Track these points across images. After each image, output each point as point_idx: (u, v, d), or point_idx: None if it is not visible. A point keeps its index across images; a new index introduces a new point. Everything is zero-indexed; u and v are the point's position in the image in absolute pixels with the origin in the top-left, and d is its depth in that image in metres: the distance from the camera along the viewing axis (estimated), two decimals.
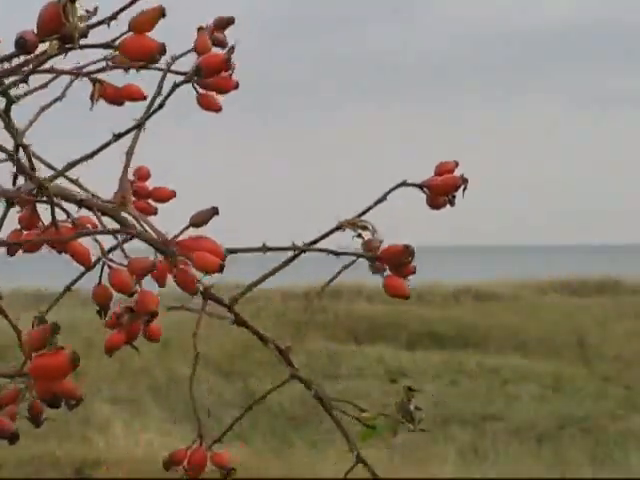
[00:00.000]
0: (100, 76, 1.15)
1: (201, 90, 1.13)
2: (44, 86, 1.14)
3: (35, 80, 1.06)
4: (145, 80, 1.12)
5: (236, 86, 1.13)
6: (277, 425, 9.17)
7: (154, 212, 1.26)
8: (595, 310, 15.18)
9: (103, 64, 1.13)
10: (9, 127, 1.05)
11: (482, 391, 10.88)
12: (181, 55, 1.13)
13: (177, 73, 1.11)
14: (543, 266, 31.48)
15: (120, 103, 1.16)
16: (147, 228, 1.08)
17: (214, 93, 1.14)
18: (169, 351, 11.33)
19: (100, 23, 0.98)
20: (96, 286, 1.04)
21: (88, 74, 1.13)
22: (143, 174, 1.26)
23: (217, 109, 1.15)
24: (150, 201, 1.27)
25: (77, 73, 1.13)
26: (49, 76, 1.11)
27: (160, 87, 1.12)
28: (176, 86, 1.10)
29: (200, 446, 1.21)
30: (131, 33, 0.97)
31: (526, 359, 12.32)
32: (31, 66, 0.98)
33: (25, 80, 1.01)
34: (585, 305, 15.74)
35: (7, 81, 1.01)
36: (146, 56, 0.97)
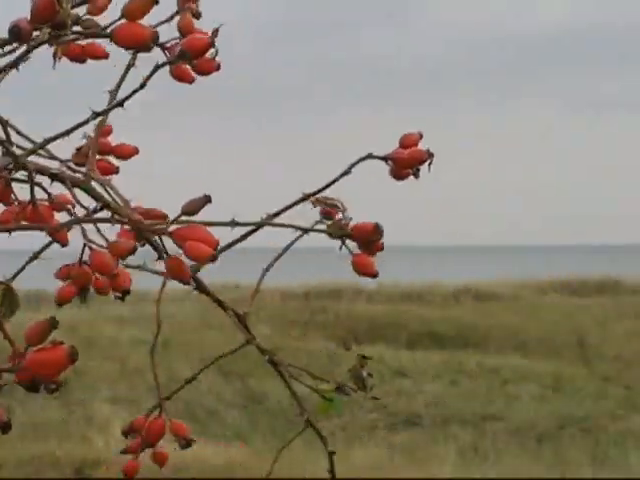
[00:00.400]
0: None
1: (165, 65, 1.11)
2: (14, 66, 1.13)
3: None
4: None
5: (218, 68, 1.12)
6: (277, 425, 9.17)
7: (115, 171, 1.24)
8: (595, 310, 15.18)
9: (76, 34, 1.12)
10: None
11: (482, 391, 10.88)
12: (158, 25, 1.11)
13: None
14: (543, 266, 31.48)
15: (83, 61, 1.16)
16: (112, 194, 1.08)
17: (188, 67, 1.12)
18: (169, 351, 11.33)
19: (80, 4, 0.98)
20: (77, 267, 1.03)
21: (57, 44, 1.13)
22: (104, 130, 1.23)
23: (190, 80, 1.14)
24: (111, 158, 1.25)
25: (23, 51, 1.12)
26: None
27: (133, 59, 1.11)
28: (159, 67, 1.08)
29: (160, 416, 1.21)
30: (123, 20, 0.96)
31: (526, 359, 12.32)
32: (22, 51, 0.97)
33: (16, 66, 1.01)
34: (585, 305, 15.74)
35: None
36: (139, 44, 0.96)
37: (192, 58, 1.04)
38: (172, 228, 0.96)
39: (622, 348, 12.72)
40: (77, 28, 0.96)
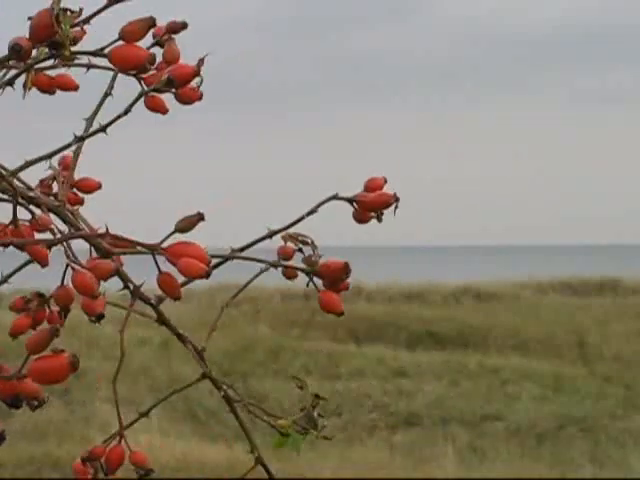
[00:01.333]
0: (53, 72, 1.15)
1: (150, 92, 1.11)
2: (10, 83, 1.13)
3: None
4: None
5: (200, 97, 1.12)
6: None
7: (81, 202, 1.24)
8: (595, 310, 15.18)
9: (52, 61, 1.12)
10: None
11: (482, 391, 10.88)
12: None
13: (128, 74, 1.09)
14: (543, 266, 31.48)
15: (52, 92, 1.16)
16: (81, 224, 1.09)
17: (162, 96, 1.12)
18: (169, 351, 11.33)
19: (75, 25, 0.98)
20: (58, 288, 1.03)
21: (35, 70, 1.13)
22: (67, 163, 1.23)
23: (164, 111, 1.14)
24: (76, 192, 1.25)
25: (21, 69, 1.12)
26: None
27: (111, 86, 1.12)
28: (143, 93, 1.09)
29: (119, 443, 1.18)
30: (121, 42, 0.97)
31: (526, 359, 12.32)
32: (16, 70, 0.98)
33: (11, 83, 1.01)
34: (585, 305, 15.73)
35: None
36: (136, 65, 0.97)
37: (178, 86, 1.05)
38: (166, 245, 0.98)
39: (622, 348, 12.72)
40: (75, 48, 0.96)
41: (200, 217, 1.00)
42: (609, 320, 14.42)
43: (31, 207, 1.08)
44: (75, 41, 0.93)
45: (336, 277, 1.12)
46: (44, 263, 1.07)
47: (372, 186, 1.16)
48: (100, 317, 1.04)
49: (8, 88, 1.05)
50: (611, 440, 9.10)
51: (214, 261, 1.14)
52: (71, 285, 0.99)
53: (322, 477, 7.40)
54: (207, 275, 0.96)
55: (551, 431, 9.45)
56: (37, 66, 1.12)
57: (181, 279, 1.00)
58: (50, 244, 1.03)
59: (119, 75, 1.12)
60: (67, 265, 1.01)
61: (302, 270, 1.14)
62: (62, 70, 1.14)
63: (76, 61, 1.10)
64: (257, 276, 1.19)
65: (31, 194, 1.08)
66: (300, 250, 1.15)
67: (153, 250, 0.98)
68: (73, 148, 1.14)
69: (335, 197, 1.16)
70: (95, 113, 1.14)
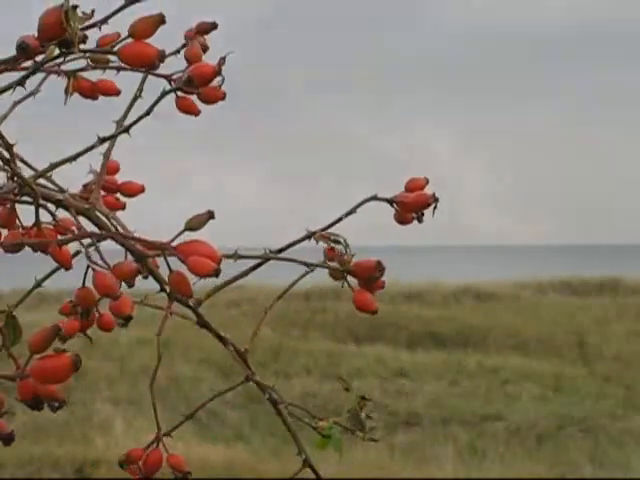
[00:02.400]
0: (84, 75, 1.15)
1: (180, 93, 1.11)
2: (21, 83, 1.13)
3: (12, 77, 1.06)
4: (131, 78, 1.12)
5: (223, 97, 1.12)
6: (277, 425, 9.14)
7: (122, 207, 1.24)
8: (595, 310, 15.17)
9: (84, 63, 1.13)
10: None
11: (482, 391, 10.88)
12: (167, 56, 1.12)
13: (157, 75, 1.10)
14: (543, 266, 31.47)
15: (95, 97, 1.16)
16: (117, 225, 1.08)
17: (193, 97, 1.12)
18: (169, 351, 11.32)
19: (92, 26, 0.98)
20: (80, 289, 1.02)
21: (65, 72, 1.13)
22: (112, 167, 1.23)
23: (196, 113, 1.14)
24: (119, 196, 1.25)
25: (54, 71, 1.12)
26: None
27: (140, 89, 1.12)
28: (165, 93, 1.09)
29: (157, 446, 1.20)
30: (130, 39, 0.97)
31: (526, 359, 12.32)
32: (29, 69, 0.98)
33: (22, 83, 1.01)
34: (585, 305, 15.72)
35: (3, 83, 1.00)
36: (145, 63, 0.97)
37: (198, 86, 1.04)
38: (175, 244, 0.97)
39: (622, 348, 12.72)
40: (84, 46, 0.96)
41: (210, 215, 0.99)
42: (609, 320, 14.41)
43: (59, 210, 1.08)
44: (84, 39, 0.93)
45: (369, 276, 1.12)
46: (67, 266, 1.05)
47: (412, 187, 1.15)
48: (128, 319, 1.02)
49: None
50: (611, 440, 9.10)
51: (252, 262, 1.15)
52: (92, 286, 0.98)
53: (324, 477, 7.36)
54: (216, 274, 0.95)
55: (551, 431, 9.45)
56: (67, 67, 1.13)
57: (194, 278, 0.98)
58: (65, 242, 1.02)
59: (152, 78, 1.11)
60: (88, 266, 1.00)
61: (335, 269, 1.13)
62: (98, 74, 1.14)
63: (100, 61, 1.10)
64: (297, 281, 1.19)
65: (59, 197, 1.07)
66: (332, 250, 1.14)
67: (163, 249, 0.97)
68: (99, 149, 1.13)
69: (375, 198, 1.15)
70: (125, 116, 1.13)
